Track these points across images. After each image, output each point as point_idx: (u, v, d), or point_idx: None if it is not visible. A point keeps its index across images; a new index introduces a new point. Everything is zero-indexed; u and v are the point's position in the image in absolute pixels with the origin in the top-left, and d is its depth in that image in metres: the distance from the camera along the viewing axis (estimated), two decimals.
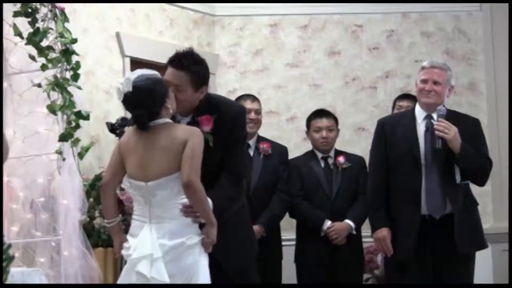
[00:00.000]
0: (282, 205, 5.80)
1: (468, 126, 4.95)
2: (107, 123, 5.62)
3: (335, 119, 6.05)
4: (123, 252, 3.89)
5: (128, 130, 3.99)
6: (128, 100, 3.85)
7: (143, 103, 3.82)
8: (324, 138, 5.93)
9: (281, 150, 5.97)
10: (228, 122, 4.08)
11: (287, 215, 6.06)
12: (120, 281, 3.87)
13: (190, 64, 3.99)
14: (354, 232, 5.81)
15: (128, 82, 3.81)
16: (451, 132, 4.77)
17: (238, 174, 4.14)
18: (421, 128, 4.94)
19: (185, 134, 3.83)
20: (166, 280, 3.71)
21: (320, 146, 5.96)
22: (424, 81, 4.92)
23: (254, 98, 5.95)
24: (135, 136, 3.90)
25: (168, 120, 3.89)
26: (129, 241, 3.87)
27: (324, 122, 5.96)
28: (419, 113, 4.97)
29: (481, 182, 5.02)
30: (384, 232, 4.89)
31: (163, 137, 3.83)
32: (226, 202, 4.04)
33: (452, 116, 4.92)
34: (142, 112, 3.83)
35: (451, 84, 4.98)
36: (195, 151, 3.80)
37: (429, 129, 4.88)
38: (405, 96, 6.08)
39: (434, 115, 4.92)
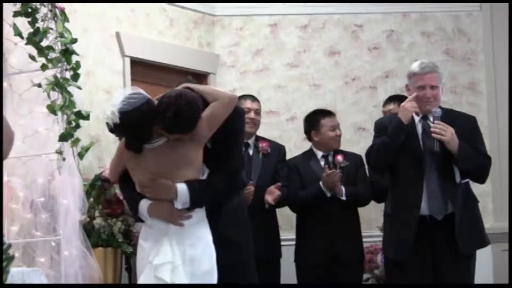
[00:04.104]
0: (288, 190, 5.82)
1: (465, 124, 4.94)
2: (107, 123, 5.62)
3: None
4: (139, 254, 3.96)
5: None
6: (118, 131, 3.92)
7: (132, 132, 3.89)
8: (338, 135, 5.99)
9: (279, 149, 6.00)
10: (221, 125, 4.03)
11: (287, 215, 6.07)
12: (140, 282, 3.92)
13: (179, 128, 3.87)
14: (344, 198, 5.78)
15: (114, 114, 3.84)
16: (447, 134, 4.77)
17: (236, 169, 4.12)
18: (418, 129, 4.93)
19: (189, 140, 3.89)
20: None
21: (333, 144, 5.97)
22: (422, 88, 4.88)
23: (254, 98, 5.96)
24: (135, 155, 3.95)
25: (164, 139, 3.91)
26: (143, 245, 3.94)
27: (335, 120, 6.02)
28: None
29: (481, 180, 5.02)
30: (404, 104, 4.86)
31: (171, 152, 3.89)
32: (223, 197, 4.06)
33: (448, 115, 4.91)
34: (133, 140, 3.91)
35: (443, 82, 4.99)
36: (205, 119, 3.91)
37: (426, 130, 4.87)
38: (390, 99, 6.08)
39: (430, 116, 4.91)
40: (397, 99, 6.01)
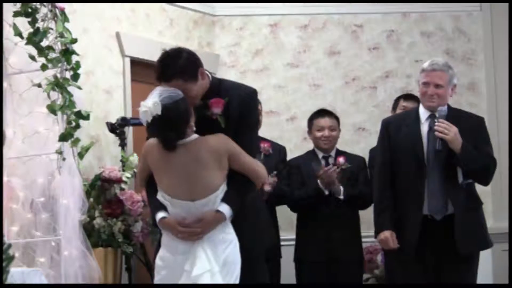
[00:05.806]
0: (287, 188, 5.87)
1: (471, 124, 4.92)
2: (107, 123, 5.63)
3: (337, 119, 6.08)
4: (164, 264, 3.93)
5: (153, 145, 3.94)
6: (156, 123, 3.83)
7: (172, 125, 3.83)
8: (325, 137, 5.97)
9: (280, 149, 6.05)
10: (236, 105, 4.01)
11: (287, 215, 6.07)
12: None
13: (173, 69, 3.89)
14: (341, 197, 5.81)
15: (157, 105, 3.78)
16: (450, 133, 4.76)
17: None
18: (424, 128, 4.92)
19: (221, 144, 3.89)
20: None
21: (321, 144, 5.99)
22: (426, 84, 4.89)
23: None
24: (165, 154, 3.89)
25: (196, 135, 3.90)
26: (168, 257, 3.91)
27: (326, 121, 6.01)
28: (423, 113, 4.95)
29: (484, 182, 5.01)
30: (386, 233, 4.88)
31: (203, 153, 3.86)
32: (243, 190, 4.03)
33: (455, 115, 4.89)
34: (171, 135, 3.86)
35: (454, 83, 4.95)
36: (240, 156, 3.92)
37: (432, 129, 4.87)
38: (410, 97, 6.03)
39: (437, 114, 4.91)
40: (410, 97, 6.00)
